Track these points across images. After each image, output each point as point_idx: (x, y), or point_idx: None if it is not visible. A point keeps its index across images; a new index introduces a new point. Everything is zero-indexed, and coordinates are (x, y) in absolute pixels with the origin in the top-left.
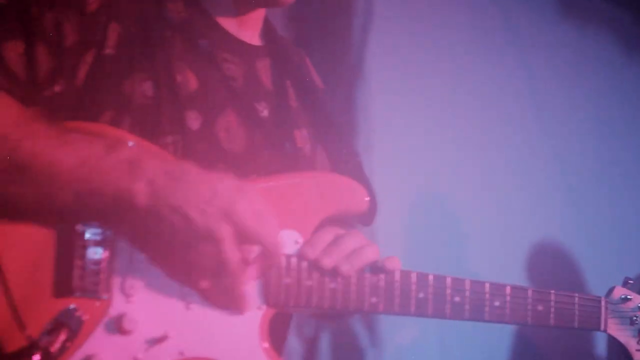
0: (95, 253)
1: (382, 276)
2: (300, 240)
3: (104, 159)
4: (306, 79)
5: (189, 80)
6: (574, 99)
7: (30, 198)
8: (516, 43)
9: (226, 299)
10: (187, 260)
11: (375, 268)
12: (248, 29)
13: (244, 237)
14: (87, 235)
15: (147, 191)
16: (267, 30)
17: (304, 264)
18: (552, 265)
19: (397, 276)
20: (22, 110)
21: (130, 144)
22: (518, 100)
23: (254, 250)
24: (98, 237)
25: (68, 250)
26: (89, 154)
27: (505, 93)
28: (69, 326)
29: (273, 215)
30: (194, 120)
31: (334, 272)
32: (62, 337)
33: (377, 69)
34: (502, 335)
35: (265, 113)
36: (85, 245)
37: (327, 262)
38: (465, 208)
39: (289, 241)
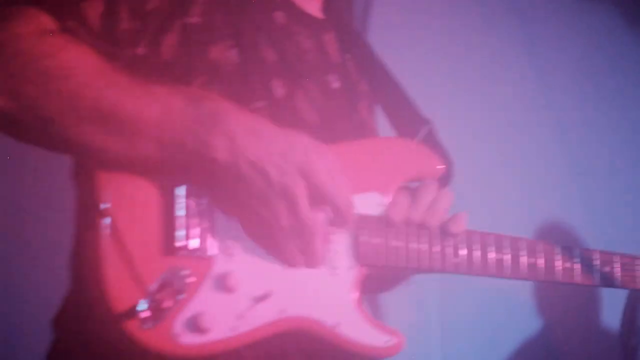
0: (198, 217)
1: (463, 238)
2: (384, 202)
3: (186, 111)
4: (368, 50)
5: (269, 51)
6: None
7: (115, 148)
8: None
9: (302, 259)
10: (263, 217)
11: (446, 230)
12: (311, 2)
13: (317, 196)
14: (188, 200)
15: (226, 145)
16: (329, 3)
17: (392, 225)
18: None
19: (477, 238)
20: (103, 60)
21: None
22: (519, 71)
23: (326, 209)
24: (201, 204)
25: (171, 213)
26: (171, 104)
27: (507, 63)
28: (176, 285)
29: (346, 177)
30: (279, 89)
31: (422, 227)
32: (170, 294)
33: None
34: (503, 321)
35: (336, 85)
36: (186, 208)
37: (415, 218)
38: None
39: (373, 203)
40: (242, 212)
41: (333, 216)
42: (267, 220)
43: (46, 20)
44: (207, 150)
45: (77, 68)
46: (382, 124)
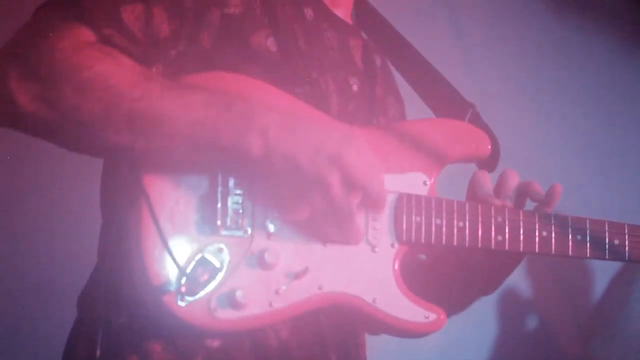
0: (235, 198)
1: (506, 214)
2: (429, 182)
3: (221, 116)
4: (402, 47)
5: (302, 41)
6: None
7: (153, 152)
8: None
9: (340, 235)
10: (300, 206)
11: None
12: (341, 7)
13: (350, 184)
14: (229, 184)
15: (260, 142)
16: (361, 11)
17: (433, 204)
18: None
19: (521, 215)
20: (138, 69)
21: None
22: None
23: (359, 196)
24: (238, 188)
25: (211, 194)
26: (204, 114)
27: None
28: (215, 261)
29: (380, 164)
30: (315, 76)
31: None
32: (208, 269)
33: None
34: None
35: (355, 88)
36: (226, 192)
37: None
38: None
39: (419, 182)
40: (278, 201)
41: (367, 201)
42: (304, 208)
43: (84, 33)
44: (242, 147)
45: (112, 79)
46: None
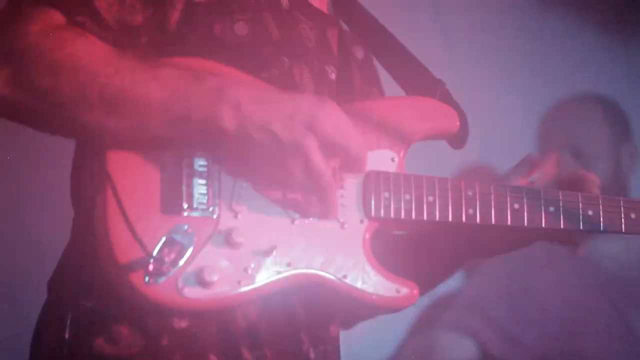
0: (201, 179)
1: (476, 188)
2: (397, 158)
3: (192, 89)
4: (383, 34)
5: (274, 29)
6: None
7: (124, 130)
8: None
9: (318, 208)
10: (277, 175)
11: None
12: None
13: (328, 146)
14: (194, 165)
15: (233, 114)
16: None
17: (402, 180)
18: None
19: (492, 188)
20: (110, 49)
21: None
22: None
23: (338, 159)
24: (204, 168)
25: (176, 176)
26: (177, 85)
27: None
28: (182, 241)
29: (354, 126)
30: (285, 63)
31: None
32: (175, 250)
33: None
34: None
35: (333, 76)
36: (191, 174)
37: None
38: None
39: (386, 159)
40: (253, 174)
41: (348, 162)
42: (282, 178)
43: (56, 17)
44: (215, 121)
45: (85, 58)
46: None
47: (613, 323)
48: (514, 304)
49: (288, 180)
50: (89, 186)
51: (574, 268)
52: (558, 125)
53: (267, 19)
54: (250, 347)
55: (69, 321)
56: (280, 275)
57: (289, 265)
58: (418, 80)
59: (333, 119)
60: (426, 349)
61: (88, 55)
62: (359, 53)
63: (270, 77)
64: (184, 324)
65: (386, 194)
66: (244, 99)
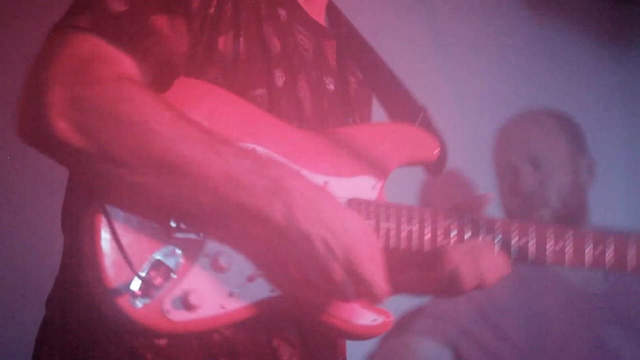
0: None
1: (454, 219)
2: (377, 186)
3: (251, 175)
4: (371, 55)
5: (275, 42)
6: None
7: (172, 196)
8: None
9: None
10: (302, 273)
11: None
12: (315, 5)
13: (354, 275)
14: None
15: (283, 212)
16: (332, 12)
17: (383, 209)
18: None
19: (467, 219)
20: (177, 113)
21: (260, 149)
22: None
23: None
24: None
25: None
26: (236, 167)
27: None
28: (168, 264)
29: (384, 266)
30: (278, 78)
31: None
32: (162, 273)
33: None
34: None
35: (331, 87)
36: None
37: None
38: None
39: (367, 186)
40: (268, 258)
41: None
42: (306, 276)
43: (125, 62)
44: (264, 212)
45: (151, 115)
46: (379, 115)
47: (587, 336)
48: (485, 316)
49: (308, 278)
50: (80, 207)
51: (541, 283)
52: (516, 137)
53: (267, 31)
54: (228, 355)
55: (57, 339)
56: (264, 300)
57: (272, 291)
58: (401, 104)
59: (369, 257)
60: (403, 353)
61: (155, 113)
62: (353, 80)
63: (259, 96)
64: (163, 341)
65: (368, 222)
66: (300, 202)
